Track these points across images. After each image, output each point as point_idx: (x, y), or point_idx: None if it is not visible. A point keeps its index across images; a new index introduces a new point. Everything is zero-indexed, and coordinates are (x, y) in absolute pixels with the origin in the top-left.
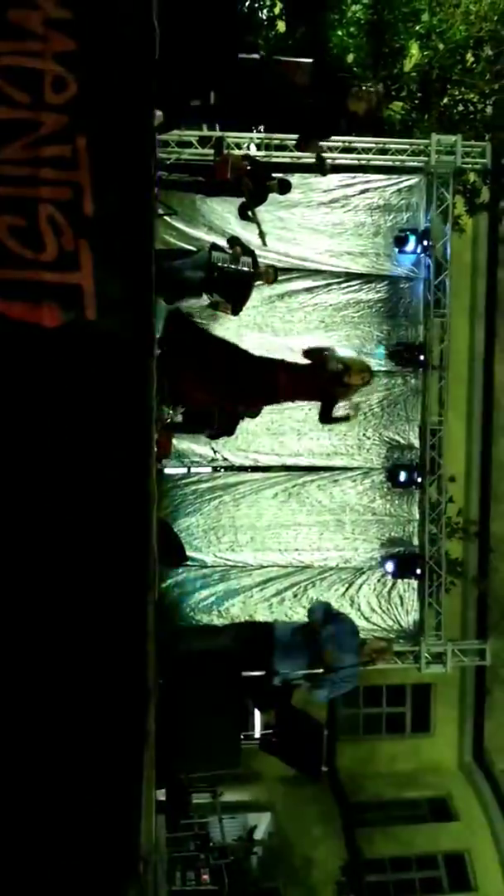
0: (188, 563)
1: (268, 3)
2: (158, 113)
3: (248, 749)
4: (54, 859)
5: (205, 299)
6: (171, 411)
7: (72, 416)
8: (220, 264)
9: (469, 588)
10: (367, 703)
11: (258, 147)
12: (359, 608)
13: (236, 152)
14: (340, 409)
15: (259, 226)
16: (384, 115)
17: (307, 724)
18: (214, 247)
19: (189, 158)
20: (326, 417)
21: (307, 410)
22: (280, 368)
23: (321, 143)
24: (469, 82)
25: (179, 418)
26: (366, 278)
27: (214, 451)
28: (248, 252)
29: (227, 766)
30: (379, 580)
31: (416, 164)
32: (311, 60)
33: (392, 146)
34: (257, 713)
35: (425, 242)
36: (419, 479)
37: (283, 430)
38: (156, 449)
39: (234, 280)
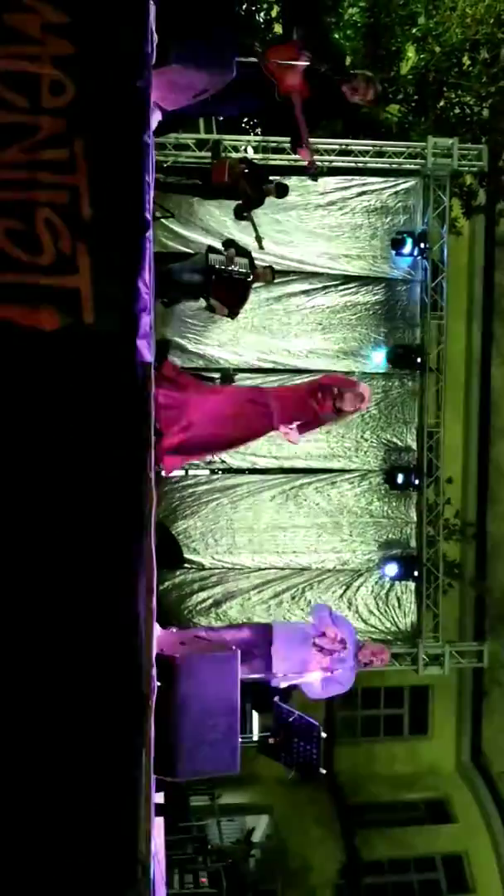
0: (186, 565)
1: (265, 6)
2: (157, 115)
3: (246, 751)
4: (52, 863)
5: (202, 302)
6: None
7: (70, 419)
8: (217, 267)
9: (467, 590)
10: (365, 705)
11: (255, 150)
12: (357, 610)
13: (233, 155)
14: None
15: (256, 229)
16: (381, 118)
17: (305, 727)
18: (211, 249)
19: (186, 161)
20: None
21: None
22: (271, 398)
23: (316, 146)
24: (465, 85)
25: None
26: (363, 281)
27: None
28: (244, 254)
29: (225, 768)
30: (377, 582)
31: (412, 166)
32: (307, 63)
33: (389, 149)
34: (255, 715)
35: (422, 245)
36: (416, 482)
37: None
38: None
39: (233, 282)
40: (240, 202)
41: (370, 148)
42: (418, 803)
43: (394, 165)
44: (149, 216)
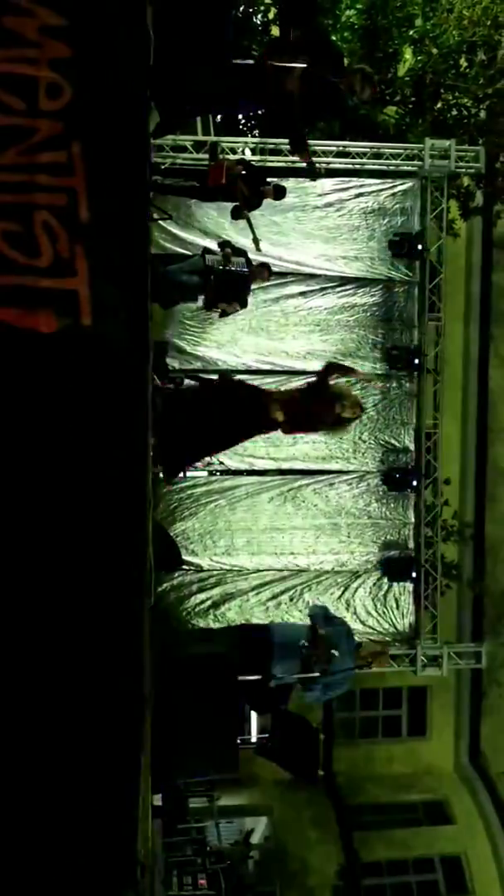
0: (184, 567)
1: (262, 8)
2: (154, 117)
3: (245, 753)
4: (52, 865)
5: (200, 303)
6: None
7: (68, 422)
8: (216, 266)
9: (465, 591)
10: (363, 706)
11: (253, 152)
12: (355, 611)
13: (231, 157)
14: None
15: (253, 231)
16: (378, 120)
17: (303, 728)
18: (207, 251)
19: (184, 163)
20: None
21: None
22: (272, 400)
23: (313, 147)
24: (463, 87)
25: None
26: (360, 282)
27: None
28: (240, 253)
29: (224, 770)
30: (375, 583)
31: (410, 168)
32: (304, 66)
33: (386, 150)
34: (254, 717)
35: (419, 246)
36: (414, 483)
37: (278, 434)
38: None
39: (233, 280)
40: (237, 203)
41: (367, 150)
42: (417, 804)
43: (391, 167)
44: (146, 219)
